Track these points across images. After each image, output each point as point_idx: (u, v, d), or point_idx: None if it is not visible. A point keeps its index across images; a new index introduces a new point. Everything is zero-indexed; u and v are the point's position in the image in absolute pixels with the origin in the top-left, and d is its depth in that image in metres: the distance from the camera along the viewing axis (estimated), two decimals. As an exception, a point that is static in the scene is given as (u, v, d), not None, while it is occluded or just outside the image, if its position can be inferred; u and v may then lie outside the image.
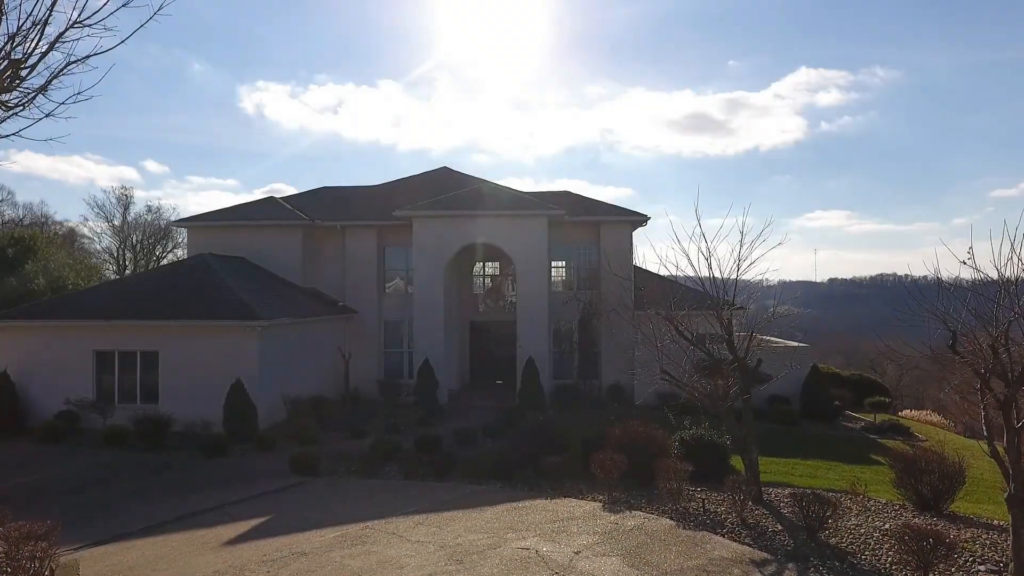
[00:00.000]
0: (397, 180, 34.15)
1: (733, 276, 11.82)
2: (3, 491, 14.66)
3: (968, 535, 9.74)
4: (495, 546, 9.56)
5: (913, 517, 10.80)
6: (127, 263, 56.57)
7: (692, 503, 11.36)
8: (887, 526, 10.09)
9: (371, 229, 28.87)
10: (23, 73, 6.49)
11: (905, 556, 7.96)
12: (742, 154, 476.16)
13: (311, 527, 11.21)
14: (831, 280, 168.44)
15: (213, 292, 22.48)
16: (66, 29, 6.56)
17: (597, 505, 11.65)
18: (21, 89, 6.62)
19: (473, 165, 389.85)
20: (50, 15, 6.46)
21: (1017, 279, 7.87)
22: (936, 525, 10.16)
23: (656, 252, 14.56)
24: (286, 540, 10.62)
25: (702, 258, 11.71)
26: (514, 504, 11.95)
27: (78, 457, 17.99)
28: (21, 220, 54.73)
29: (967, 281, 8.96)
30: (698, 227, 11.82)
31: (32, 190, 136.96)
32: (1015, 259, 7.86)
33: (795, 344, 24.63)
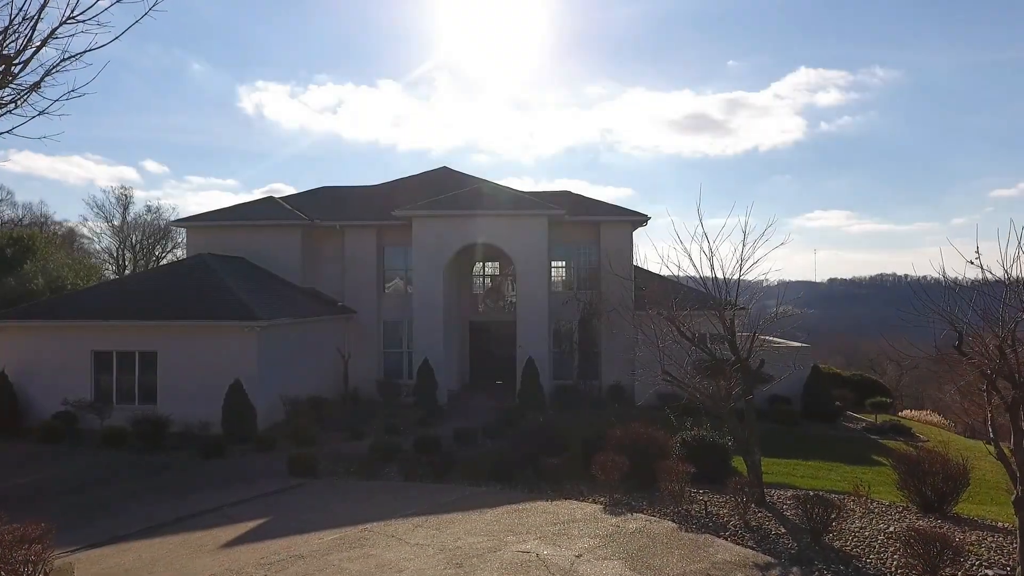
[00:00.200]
0: (396, 180, 34.07)
1: (735, 276, 11.71)
2: (1, 492, 14.59)
3: (973, 538, 9.64)
4: (495, 549, 9.46)
5: (917, 519, 10.69)
6: (126, 263, 56.50)
7: (694, 505, 11.24)
8: (891, 529, 9.98)
9: (370, 229, 28.77)
10: (15, 69, 6.39)
11: (911, 560, 7.85)
12: (742, 154, 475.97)
13: (309, 529, 11.11)
14: (831, 280, 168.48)
15: (212, 292, 22.38)
16: (59, 25, 6.45)
17: (598, 507, 11.55)
18: (13, 86, 6.51)
19: (473, 165, 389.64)
20: (43, 10, 6.35)
21: (1024, 279, 7.77)
22: (941, 528, 10.06)
23: (658, 252, 14.42)
24: (284, 542, 10.52)
25: (704, 258, 11.61)
26: (514, 506, 11.85)
27: (76, 458, 17.91)
28: (20, 220, 54.63)
29: (971, 281, 8.86)
30: (700, 226, 11.73)
31: (32, 190, 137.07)
32: (1024, 259, 7.75)
33: (796, 344, 24.55)
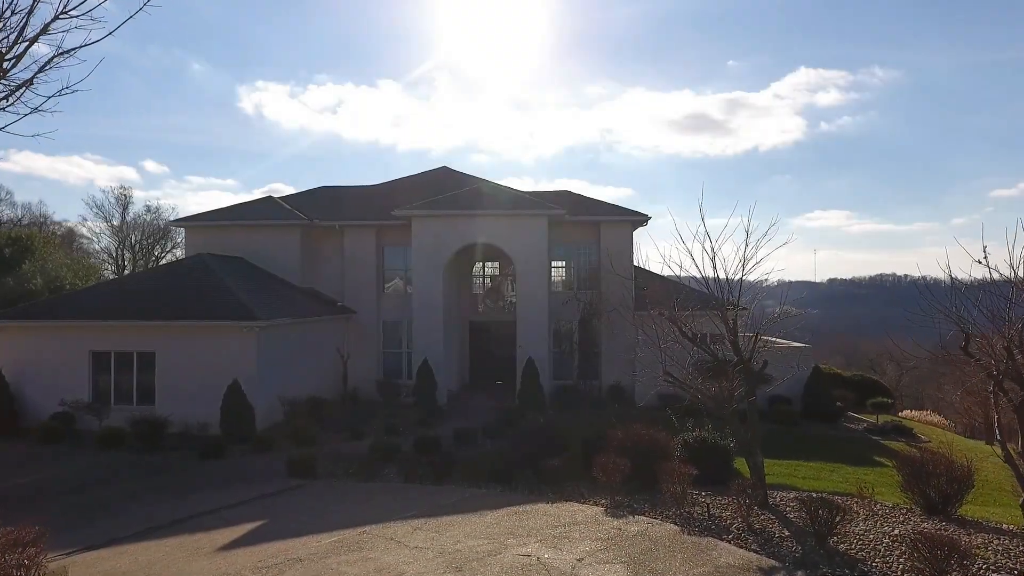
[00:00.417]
0: (396, 180, 33.97)
1: (737, 276, 11.59)
2: (-2, 493, 14.53)
3: (979, 541, 9.51)
4: (495, 552, 9.33)
5: (922, 522, 10.57)
6: (126, 263, 56.37)
7: (696, 508, 11.11)
8: (896, 531, 9.85)
9: (370, 229, 28.66)
10: (6, 66, 6.27)
11: (918, 564, 7.72)
12: (742, 154, 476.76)
13: (308, 532, 10.99)
14: (831, 280, 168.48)
15: (211, 292, 22.28)
16: (52, 20, 6.34)
17: (599, 510, 11.42)
18: (5, 83, 6.40)
19: (473, 165, 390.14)
20: (35, 5, 6.24)
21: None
22: (946, 530, 9.95)
23: (660, 251, 14.31)
24: (282, 545, 10.41)
25: (706, 257, 11.49)
26: (514, 508, 11.72)
27: (74, 459, 17.83)
28: (20, 220, 54.53)
29: (976, 280, 8.76)
30: (702, 225, 11.61)
31: (32, 190, 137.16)
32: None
33: (796, 344, 24.46)
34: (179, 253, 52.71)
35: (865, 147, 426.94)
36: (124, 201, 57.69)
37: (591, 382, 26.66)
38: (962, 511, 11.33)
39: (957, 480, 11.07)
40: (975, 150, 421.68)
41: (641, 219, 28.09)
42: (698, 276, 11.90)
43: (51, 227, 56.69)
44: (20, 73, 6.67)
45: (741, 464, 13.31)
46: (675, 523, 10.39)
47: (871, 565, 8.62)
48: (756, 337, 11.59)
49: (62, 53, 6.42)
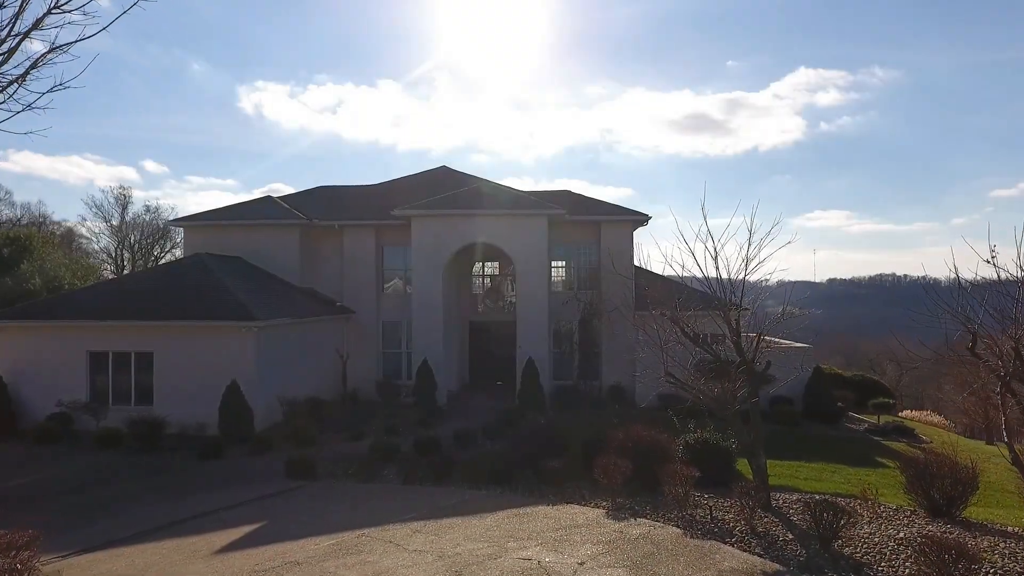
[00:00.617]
0: (395, 179, 33.85)
1: (740, 276, 11.48)
2: (-5, 495, 14.43)
3: (985, 544, 9.39)
4: (495, 556, 9.21)
5: (926, 524, 10.46)
6: (125, 263, 56.26)
7: (699, 510, 11.00)
8: (901, 534, 9.74)
9: (369, 229, 28.53)
10: (-3, 61, 6.16)
11: (925, 569, 7.59)
12: (741, 154, 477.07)
13: (305, 534, 10.88)
14: (830, 280, 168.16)
15: (209, 292, 22.16)
16: (44, 15, 6.22)
17: (601, 512, 11.30)
18: (-3, 78, 6.28)
19: (473, 165, 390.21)
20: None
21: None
22: (952, 533, 9.85)
23: (662, 251, 14.18)
24: (279, 548, 10.29)
25: (709, 257, 11.38)
26: (515, 510, 11.60)
27: (71, 460, 17.73)
28: (19, 220, 54.41)
29: (981, 280, 8.64)
30: (704, 225, 11.50)
31: (32, 190, 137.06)
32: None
33: (797, 345, 24.35)
34: (178, 253, 52.57)
35: (865, 147, 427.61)
36: (123, 201, 57.65)
37: (591, 382, 26.54)
38: (966, 513, 11.23)
39: (962, 482, 10.96)
40: (975, 150, 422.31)
41: (641, 219, 27.97)
42: (700, 276, 11.78)
43: (50, 227, 56.59)
44: (12, 69, 6.56)
45: (743, 465, 13.19)
46: (677, 526, 10.27)
47: (877, 569, 8.51)
48: (759, 337, 11.46)
49: (55, 48, 6.30)
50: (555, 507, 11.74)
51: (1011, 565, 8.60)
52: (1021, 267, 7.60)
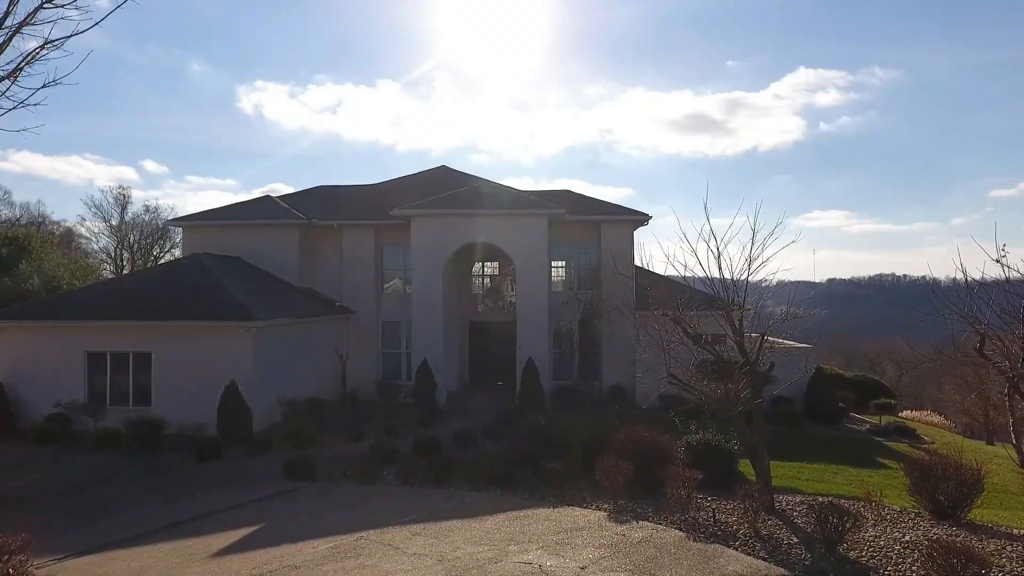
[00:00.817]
0: (395, 179, 33.72)
1: (743, 276, 11.36)
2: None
3: (992, 547, 9.27)
4: (496, 560, 9.08)
5: (931, 527, 10.34)
6: (124, 263, 56.12)
7: (701, 513, 10.86)
8: (907, 537, 9.61)
9: (369, 228, 28.41)
10: (-12, 56, 6.04)
11: (933, 573, 7.47)
12: (741, 154, 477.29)
13: (304, 537, 10.76)
14: (830, 280, 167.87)
15: (208, 292, 22.04)
16: (37, 9, 6.10)
17: (602, 514, 11.17)
18: (-13, 74, 6.16)
19: (473, 165, 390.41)
20: (19, -6, 6.00)
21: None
22: (957, 536, 9.74)
23: (664, 251, 14.06)
24: (277, 551, 10.17)
25: (711, 257, 11.26)
26: (515, 513, 11.47)
27: (69, 461, 17.64)
28: (18, 220, 54.29)
29: (985, 280, 8.53)
30: (707, 224, 11.38)
31: (31, 190, 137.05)
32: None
33: (798, 345, 24.23)
34: (178, 253, 52.40)
35: (865, 147, 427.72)
36: (123, 201, 57.52)
37: (591, 383, 26.43)
38: (971, 515, 11.11)
39: (967, 484, 10.85)
40: (975, 150, 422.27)
41: (642, 218, 27.84)
42: (702, 276, 11.67)
43: (49, 227, 56.48)
44: (5, 66, 6.44)
45: (745, 467, 13.07)
46: (680, 529, 10.13)
47: (884, 573, 8.38)
48: (762, 338, 11.34)
49: (49, 44, 6.18)
50: (556, 509, 11.62)
51: (1020, 569, 8.48)
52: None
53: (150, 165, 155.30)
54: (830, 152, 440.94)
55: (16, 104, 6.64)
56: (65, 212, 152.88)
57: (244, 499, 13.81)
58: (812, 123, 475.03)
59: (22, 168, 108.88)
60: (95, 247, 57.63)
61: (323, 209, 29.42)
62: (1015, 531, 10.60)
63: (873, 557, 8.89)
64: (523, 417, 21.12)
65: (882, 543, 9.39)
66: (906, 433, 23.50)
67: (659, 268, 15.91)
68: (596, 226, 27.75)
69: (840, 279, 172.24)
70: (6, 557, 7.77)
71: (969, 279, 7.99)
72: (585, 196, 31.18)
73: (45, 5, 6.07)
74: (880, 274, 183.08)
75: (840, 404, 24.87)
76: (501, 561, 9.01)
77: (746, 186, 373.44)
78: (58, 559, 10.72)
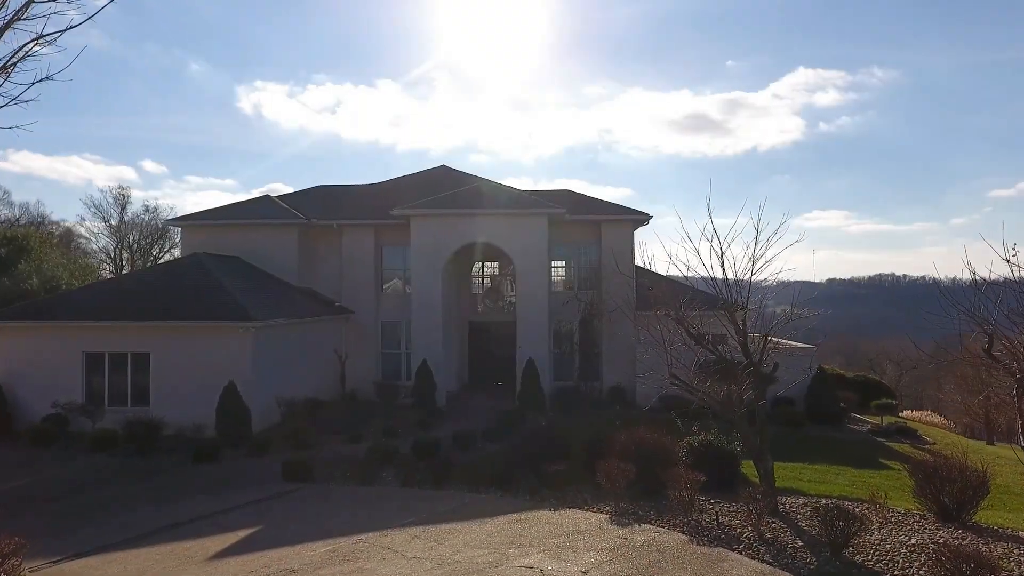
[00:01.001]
0: (395, 179, 33.59)
1: (747, 276, 11.24)
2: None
3: (999, 551, 9.15)
4: (497, 563, 8.95)
5: (937, 530, 10.22)
6: (124, 263, 55.98)
7: (704, 515, 10.72)
8: (913, 541, 9.48)
9: (368, 228, 28.29)
10: (-21, 52, 5.90)
11: (940, 578, 7.35)
12: (741, 154, 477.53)
13: (302, 540, 10.64)
14: (829, 280, 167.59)
15: (207, 292, 21.92)
16: (28, 4, 5.97)
17: (604, 517, 11.04)
18: (-21, 71, 6.04)
19: (472, 165, 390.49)
20: (9, -12, 5.88)
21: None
22: (964, 539, 9.62)
23: (666, 251, 13.92)
24: (275, 555, 10.05)
25: (714, 256, 11.13)
26: (516, 515, 11.34)
27: (66, 462, 17.54)
28: (17, 220, 54.18)
29: (987, 280, 8.42)
30: (710, 223, 11.25)
31: (31, 190, 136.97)
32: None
33: (799, 345, 24.11)
34: (177, 253, 52.07)
35: (864, 147, 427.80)
36: (122, 201, 57.39)
37: (592, 383, 26.31)
38: (976, 517, 10.98)
39: (972, 486, 10.71)
40: (975, 150, 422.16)
41: (642, 218, 27.73)
42: (705, 276, 11.55)
43: (49, 227, 56.36)
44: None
45: (748, 468, 12.94)
46: (683, 532, 10.00)
47: (890, 578, 8.26)
48: (766, 339, 11.22)
49: (41, 38, 6.06)
50: (557, 512, 11.49)
51: (1027, 573, 8.36)
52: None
53: (149, 165, 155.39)
54: (830, 152, 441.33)
55: (8, 101, 6.52)
56: (65, 212, 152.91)
57: (242, 501, 13.70)
58: (811, 123, 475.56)
59: (21, 168, 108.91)
60: (94, 247, 57.55)
61: (322, 209, 29.30)
62: (1022, 534, 10.47)
63: (880, 561, 8.76)
64: (523, 418, 21.00)
65: (888, 546, 9.26)
66: (907, 434, 23.37)
67: (661, 268, 15.81)
68: (596, 226, 27.64)
69: (840, 279, 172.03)
70: (-1, 561, 7.66)
71: (978, 278, 7.86)
72: (585, 196, 31.07)
73: (34, 0, 5.94)
74: (880, 274, 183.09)
75: (841, 405, 24.76)
76: (502, 565, 8.88)
77: (746, 186, 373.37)
78: (53, 562, 10.60)
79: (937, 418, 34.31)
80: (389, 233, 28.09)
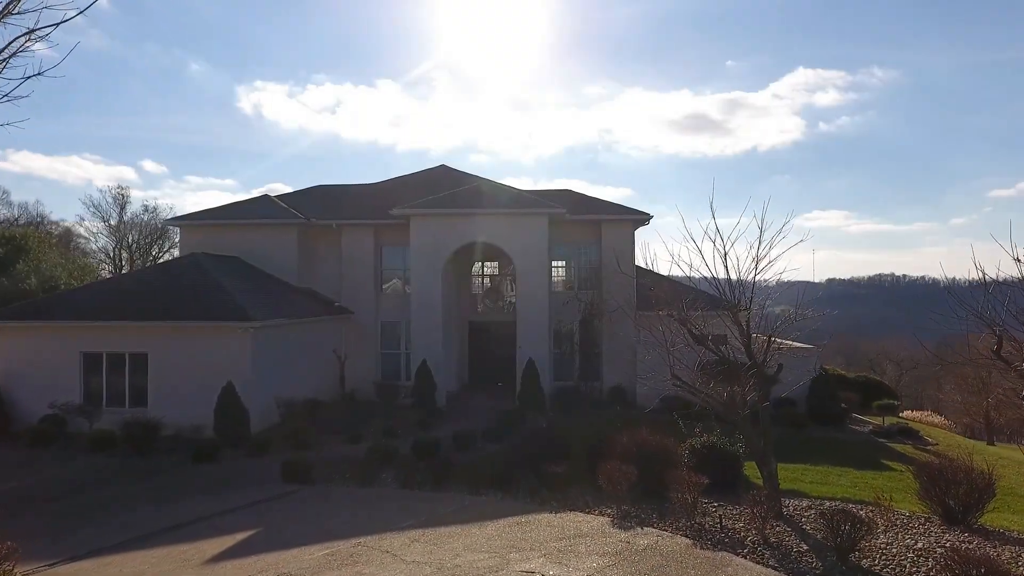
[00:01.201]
0: (394, 178, 33.48)
1: (750, 276, 11.10)
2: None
3: (1008, 554, 9.01)
4: (497, 568, 8.81)
5: (943, 533, 10.09)
6: (123, 263, 55.86)
7: (708, 518, 10.57)
8: (920, 544, 9.35)
9: (368, 228, 28.17)
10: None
11: (950, 584, 7.22)
12: (741, 154, 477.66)
13: (300, 543, 10.51)
14: (829, 280, 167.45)
15: (205, 292, 21.80)
16: (18, -3, 5.85)
17: (606, 520, 10.89)
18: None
19: (472, 165, 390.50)
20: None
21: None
22: (971, 542, 9.49)
23: (669, 250, 13.76)
24: (272, 558, 9.92)
25: (717, 256, 11.00)
26: (517, 518, 11.20)
27: (63, 463, 17.44)
28: (16, 220, 54.08)
29: (989, 280, 8.30)
30: (712, 223, 11.12)
31: (31, 190, 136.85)
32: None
33: (800, 346, 23.98)
34: (177, 253, 52.10)
35: (864, 147, 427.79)
36: (122, 201, 57.29)
37: (592, 383, 26.21)
38: (981, 520, 10.85)
39: (978, 489, 10.59)
40: (975, 150, 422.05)
41: (643, 218, 27.61)
42: (707, 276, 11.41)
43: (48, 227, 56.27)
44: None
45: (750, 470, 12.82)
46: (686, 535, 9.86)
47: (898, 583, 8.12)
48: (769, 339, 11.09)
49: (31, 32, 5.93)
50: (558, 515, 11.35)
51: (1037, 578, 8.24)
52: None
53: (149, 165, 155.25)
54: (830, 152, 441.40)
55: (0, 98, 6.39)
56: (64, 212, 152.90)
57: (240, 502, 13.58)
58: (811, 123, 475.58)
59: (21, 168, 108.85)
60: (94, 247, 57.44)
61: (322, 209, 29.18)
62: (1028, 537, 10.34)
63: (887, 566, 8.61)
64: (523, 418, 20.90)
65: (894, 550, 9.12)
66: (909, 434, 23.26)
67: (663, 268, 15.67)
68: (597, 226, 27.52)
69: (839, 279, 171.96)
70: (-9, 566, 7.53)
71: (988, 278, 7.73)
72: (585, 195, 30.96)
73: (26, -7, 5.81)
74: (879, 274, 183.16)
75: (843, 405, 24.65)
76: (502, 570, 8.75)
77: (746, 186, 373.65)
78: (48, 565, 10.49)
79: (937, 418, 34.23)
80: (389, 233, 27.98)
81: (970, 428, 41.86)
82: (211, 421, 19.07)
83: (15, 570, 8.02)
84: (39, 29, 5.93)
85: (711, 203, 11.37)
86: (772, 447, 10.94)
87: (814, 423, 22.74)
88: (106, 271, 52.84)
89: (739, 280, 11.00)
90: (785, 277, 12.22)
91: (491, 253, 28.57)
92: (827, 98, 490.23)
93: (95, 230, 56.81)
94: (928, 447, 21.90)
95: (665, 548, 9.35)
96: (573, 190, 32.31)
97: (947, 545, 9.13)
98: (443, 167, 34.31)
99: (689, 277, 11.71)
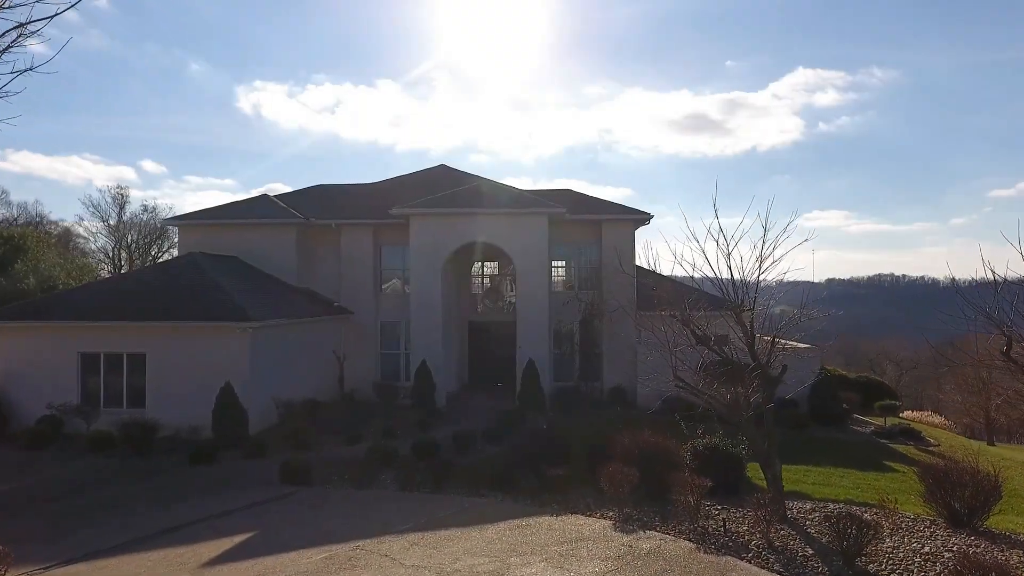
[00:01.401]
0: (394, 178, 33.32)
1: (753, 276, 10.98)
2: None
3: (1016, 558, 8.89)
4: (497, 573, 8.67)
5: (949, 536, 9.96)
6: (122, 263, 55.71)
7: (711, 522, 10.44)
8: (926, 548, 9.22)
9: (367, 228, 28.03)
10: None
11: (960, 590, 7.09)
12: (741, 154, 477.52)
13: (298, 546, 10.38)
14: (829, 280, 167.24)
15: (203, 292, 21.66)
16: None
17: (607, 523, 10.76)
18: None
19: (472, 165, 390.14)
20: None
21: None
22: (978, 546, 9.37)
23: (671, 250, 13.62)
24: (270, 561, 9.78)
25: (721, 256, 10.88)
26: (517, 521, 11.07)
27: (61, 464, 17.32)
28: (15, 219, 53.96)
29: (987, 281, 8.18)
30: (715, 222, 11.02)
31: (31, 190, 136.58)
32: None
33: (801, 346, 23.85)
34: (176, 253, 51.97)
35: (864, 147, 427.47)
36: (121, 200, 57.10)
37: (592, 384, 26.09)
38: (987, 522, 10.73)
39: (984, 491, 10.47)
40: (975, 150, 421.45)
41: (643, 218, 27.48)
42: (710, 276, 11.29)
43: (47, 226, 56.14)
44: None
45: (753, 471, 12.69)
46: (689, 539, 9.72)
47: (906, 588, 7.98)
48: (773, 340, 10.96)
49: (21, 26, 5.79)
50: (559, 517, 11.22)
51: (1047, 582, 8.11)
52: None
53: (149, 165, 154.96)
54: (829, 152, 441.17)
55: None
56: (64, 212, 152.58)
57: (239, 504, 13.44)
58: (811, 123, 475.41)
59: (21, 168, 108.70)
60: (93, 247, 57.27)
61: (321, 208, 29.04)
62: (1035, 540, 10.21)
63: (894, 571, 8.46)
64: (523, 418, 20.76)
65: (901, 555, 8.98)
66: (911, 435, 23.13)
67: (665, 268, 15.53)
68: (597, 225, 27.39)
69: (839, 279, 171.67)
70: (-18, 570, 7.40)
71: (997, 278, 7.61)
72: (586, 195, 30.82)
73: (16, -13, 5.68)
74: (879, 274, 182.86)
75: (844, 406, 24.53)
76: (503, 575, 8.61)
77: (746, 186, 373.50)
78: (43, 568, 10.35)
79: (937, 418, 34.15)
80: (388, 233, 27.84)
81: (970, 428, 41.80)
82: (209, 422, 18.93)
83: (7, 573, 7.88)
84: (31, 23, 5.79)
85: (714, 203, 11.26)
86: (776, 449, 10.81)
87: (816, 424, 22.61)
88: (105, 271, 52.68)
89: (743, 280, 10.87)
90: (787, 277, 12.11)
91: (491, 253, 28.44)
92: (827, 98, 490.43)
93: (94, 230, 56.69)
94: (930, 448, 21.79)
95: (668, 552, 9.21)
96: (573, 190, 32.17)
97: (954, 549, 9.00)
98: (443, 167, 34.17)
99: (691, 277, 11.58)
